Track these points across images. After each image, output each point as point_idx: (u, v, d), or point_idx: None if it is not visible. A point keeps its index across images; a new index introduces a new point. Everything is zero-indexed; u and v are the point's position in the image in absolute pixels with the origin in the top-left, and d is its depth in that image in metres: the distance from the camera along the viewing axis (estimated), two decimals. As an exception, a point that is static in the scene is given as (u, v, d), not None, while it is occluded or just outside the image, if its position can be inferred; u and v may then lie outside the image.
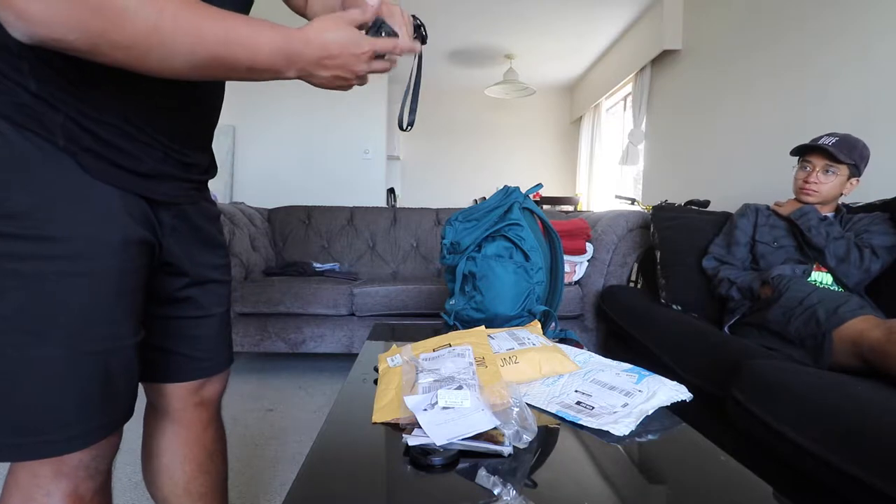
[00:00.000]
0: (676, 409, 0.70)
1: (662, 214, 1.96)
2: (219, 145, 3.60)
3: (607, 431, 0.61)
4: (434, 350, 0.79)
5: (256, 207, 2.85)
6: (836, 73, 2.06)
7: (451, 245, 1.19)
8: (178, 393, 0.75)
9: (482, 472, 0.47)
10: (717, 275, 1.61)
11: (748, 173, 2.62)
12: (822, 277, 1.42)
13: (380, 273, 2.76)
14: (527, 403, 0.63)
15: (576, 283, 2.30)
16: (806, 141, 1.52)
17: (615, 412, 0.65)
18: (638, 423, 0.63)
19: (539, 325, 1.03)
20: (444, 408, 0.58)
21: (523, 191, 1.22)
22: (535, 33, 4.31)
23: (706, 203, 2.53)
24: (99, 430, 0.56)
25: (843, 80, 2.03)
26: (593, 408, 0.66)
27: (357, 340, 2.22)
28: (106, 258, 0.54)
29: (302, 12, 0.83)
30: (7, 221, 0.49)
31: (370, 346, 1.05)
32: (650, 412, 0.66)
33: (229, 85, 0.72)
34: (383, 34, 0.60)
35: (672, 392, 0.70)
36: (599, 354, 0.86)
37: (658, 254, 1.90)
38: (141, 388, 0.75)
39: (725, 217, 1.81)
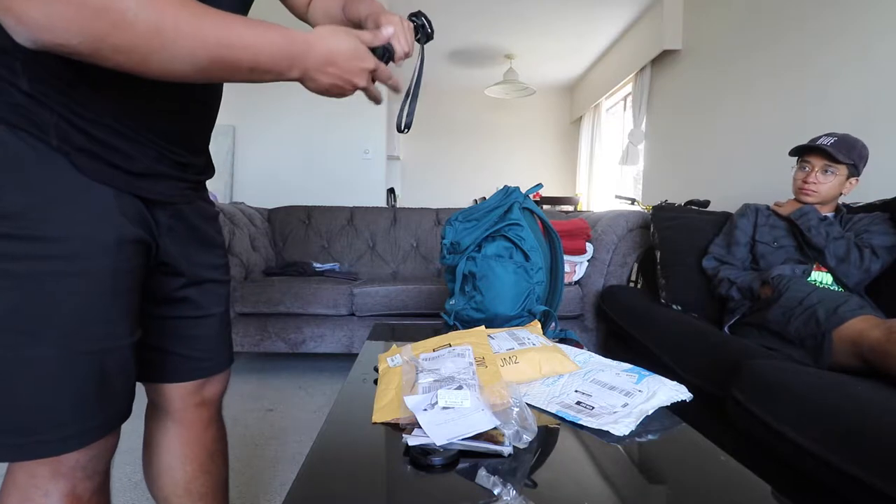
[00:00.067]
0: (676, 409, 0.70)
1: (662, 214, 1.96)
2: (219, 145, 3.60)
3: (607, 431, 0.61)
4: (434, 350, 0.79)
5: (256, 207, 2.85)
6: (836, 73, 2.06)
7: (451, 245, 1.19)
8: (179, 393, 0.75)
9: (482, 472, 0.47)
10: (717, 275, 1.61)
11: (748, 173, 2.62)
12: (822, 277, 1.42)
13: (380, 273, 2.76)
14: (527, 403, 0.63)
15: (576, 283, 2.30)
16: (805, 141, 1.52)
17: (615, 412, 0.65)
18: (638, 423, 0.63)
19: (539, 325, 1.03)
20: (444, 408, 0.58)
21: (523, 191, 1.22)
22: (535, 33, 4.31)
23: (706, 203, 2.53)
24: (95, 430, 0.56)
25: (843, 80, 2.03)
26: (593, 408, 0.66)
27: (357, 340, 2.22)
28: (100, 258, 0.54)
29: (303, 17, 0.83)
30: (1, 222, 0.49)
31: (370, 346, 1.05)
32: (650, 412, 0.66)
33: (229, 85, 0.72)
34: (386, 63, 0.63)
35: (672, 392, 0.70)
36: (599, 354, 0.86)
37: (658, 254, 1.90)
38: (142, 387, 0.76)
39: (725, 217, 1.81)
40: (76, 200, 0.52)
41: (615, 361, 0.82)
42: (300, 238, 2.82)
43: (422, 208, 2.94)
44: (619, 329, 1.90)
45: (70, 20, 0.39)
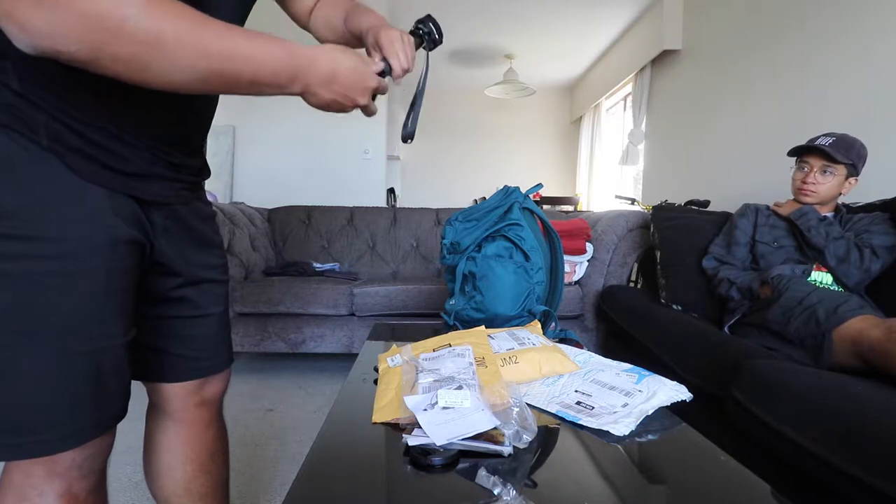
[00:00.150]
0: (676, 409, 0.70)
1: (662, 214, 1.96)
2: (219, 145, 3.60)
3: (607, 431, 0.61)
4: (434, 350, 0.79)
5: (256, 207, 2.85)
6: (836, 73, 2.06)
7: (451, 245, 1.19)
8: (178, 392, 0.75)
9: (482, 472, 0.47)
10: (717, 275, 1.61)
11: (748, 173, 2.62)
12: (822, 277, 1.42)
13: (380, 273, 2.76)
14: (527, 403, 0.63)
15: (576, 283, 2.30)
16: (805, 141, 1.52)
17: (615, 412, 0.65)
18: (638, 423, 0.63)
19: (539, 325, 1.03)
20: (444, 408, 0.58)
21: (523, 191, 1.22)
22: (535, 33, 4.31)
23: (706, 203, 2.53)
24: (90, 429, 0.56)
25: (843, 80, 2.03)
26: (593, 408, 0.66)
27: (357, 340, 2.22)
28: (94, 258, 0.54)
29: (304, 26, 0.83)
30: None
31: (370, 346, 1.05)
32: (650, 412, 0.66)
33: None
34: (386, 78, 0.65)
35: (672, 392, 0.70)
36: (599, 354, 0.86)
37: (658, 254, 1.90)
38: (143, 387, 0.76)
39: (725, 217, 1.81)
40: (69, 201, 0.53)
41: (615, 361, 0.82)
42: (300, 238, 2.82)
43: (422, 208, 2.94)
44: (619, 329, 1.90)
45: (71, 28, 0.40)
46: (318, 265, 2.65)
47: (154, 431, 0.78)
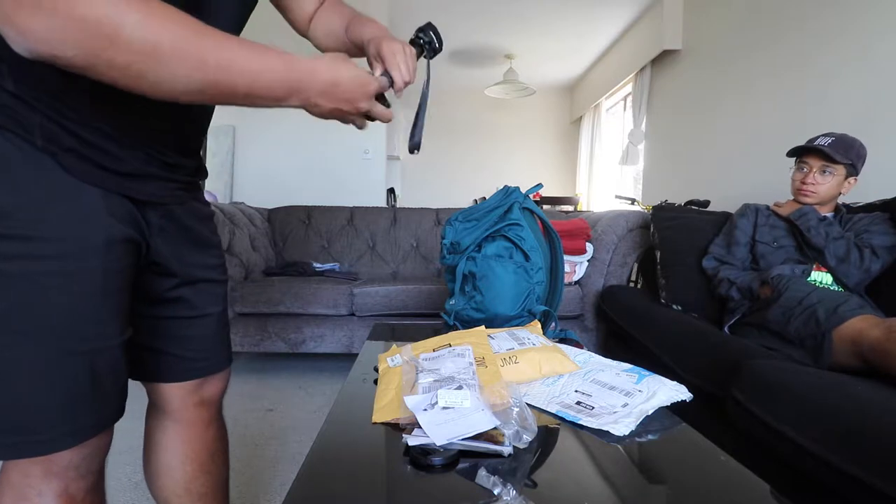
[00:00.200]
0: (676, 409, 0.70)
1: (662, 214, 1.96)
2: (219, 145, 3.60)
3: (607, 431, 0.61)
4: (434, 350, 0.79)
5: (256, 207, 2.85)
6: (836, 73, 2.06)
7: (451, 245, 1.19)
8: (177, 392, 0.75)
9: (482, 472, 0.47)
10: (717, 275, 1.61)
11: (748, 173, 2.62)
12: (821, 277, 1.42)
13: (380, 273, 2.76)
14: (527, 403, 0.63)
15: (576, 283, 2.30)
16: (805, 141, 1.52)
17: (615, 412, 0.65)
18: (638, 423, 0.63)
19: (539, 325, 1.03)
20: (444, 408, 0.58)
21: (523, 191, 1.22)
22: (535, 33, 4.31)
23: (706, 203, 2.53)
24: (87, 429, 0.56)
25: (843, 80, 2.03)
26: (593, 408, 0.66)
27: (357, 340, 2.22)
28: (90, 258, 0.54)
29: (304, 34, 0.82)
30: None
31: (370, 346, 1.05)
32: (650, 412, 0.66)
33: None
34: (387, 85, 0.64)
35: (672, 392, 0.70)
36: (599, 354, 0.86)
37: (658, 254, 1.90)
38: (143, 387, 0.76)
39: (725, 217, 1.81)
40: (63, 201, 0.53)
41: (615, 361, 0.82)
42: (300, 238, 2.82)
43: (422, 208, 2.94)
44: (619, 329, 1.90)
45: (68, 33, 0.40)
46: (318, 265, 2.65)
47: (154, 431, 0.78)
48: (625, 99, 4.67)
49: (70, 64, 0.42)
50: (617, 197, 3.52)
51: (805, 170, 1.49)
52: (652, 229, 1.96)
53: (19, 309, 0.50)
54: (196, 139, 0.70)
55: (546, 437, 0.61)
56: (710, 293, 1.66)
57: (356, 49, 0.75)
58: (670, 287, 1.79)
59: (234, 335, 2.20)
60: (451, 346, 0.79)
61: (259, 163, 3.69)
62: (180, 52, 0.44)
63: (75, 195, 0.53)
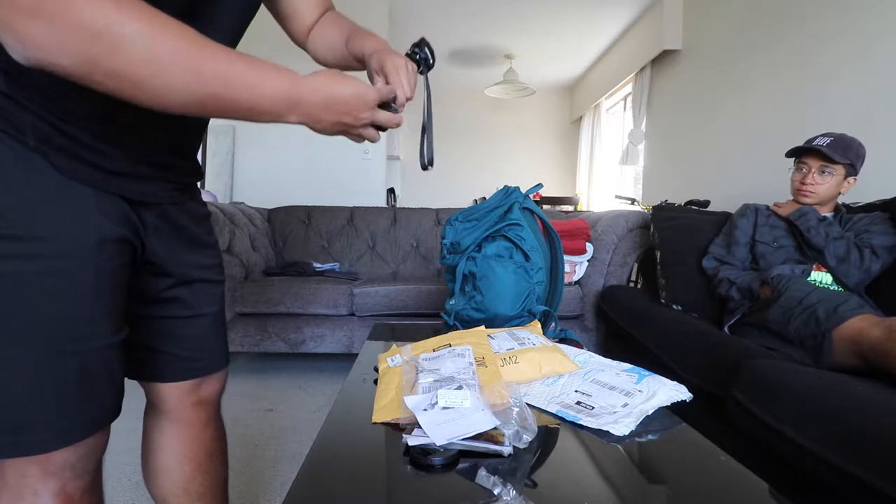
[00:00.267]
0: (676, 409, 0.70)
1: (662, 214, 1.96)
2: (219, 145, 3.60)
3: (607, 431, 0.61)
4: (434, 350, 0.79)
5: (256, 207, 2.85)
6: (836, 73, 2.06)
7: (451, 245, 1.19)
8: (174, 392, 0.75)
9: (482, 472, 0.47)
10: (717, 275, 1.61)
11: (748, 173, 2.62)
12: (821, 277, 1.42)
13: (380, 273, 2.76)
14: (527, 403, 0.63)
15: (576, 283, 2.30)
16: (804, 141, 1.52)
17: (615, 412, 0.65)
18: (638, 423, 0.63)
19: (539, 325, 1.03)
20: (444, 408, 0.58)
21: (523, 191, 1.22)
22: (535, 33, 4.31)
23: (706, 203, 2.53)
24: (81, 428, 0.56)
25: (843, 80, 2.03)
26: (593, 408, 0.66)
27: (357, 340, 2.22)
28: (82, 258, 0.54)
29: (302, 45, 0.82)
30: None
31: (370, 346, 1.05)
32: (650, 412, 0.66)
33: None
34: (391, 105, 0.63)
35: (672, 392, 0.70)
36: (599, 354, 0.86)
37: (658, 254, 1.90)
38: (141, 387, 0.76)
39: (725, 217, 1.81)
40: (55, 200, 0.52)
41: (615, 361, 0.82)
42: (300, 238, 2.82)
43: (422, 208, 2.94)
44: (619, 329, 1.90)
45: (66, 41, 0.39)
46: (318, 265, 2.65)
47: (152, 431, 0.78)
48: (625, 99, 4.67)
49: (67, 73, 0.41)
50: (617, 197, 3.52)
51: (804, 170, 1.49)
52: (652, 229, 1.96)
53: (8, 308, 0.50)
54: (191, 141, 0.70)
55: (546, 437, 0.61)
56: (710, 293, 1.66)
57: (356, 62, 0.75)
58: (670, 287, 1.79)
59: (234, 335, 2.20)
60: (451, 346, 0.79)
61: (259, 163, 3.69)
62: (179, 64, 0.44)
63: (67, 195, 0.53)
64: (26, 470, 0.54)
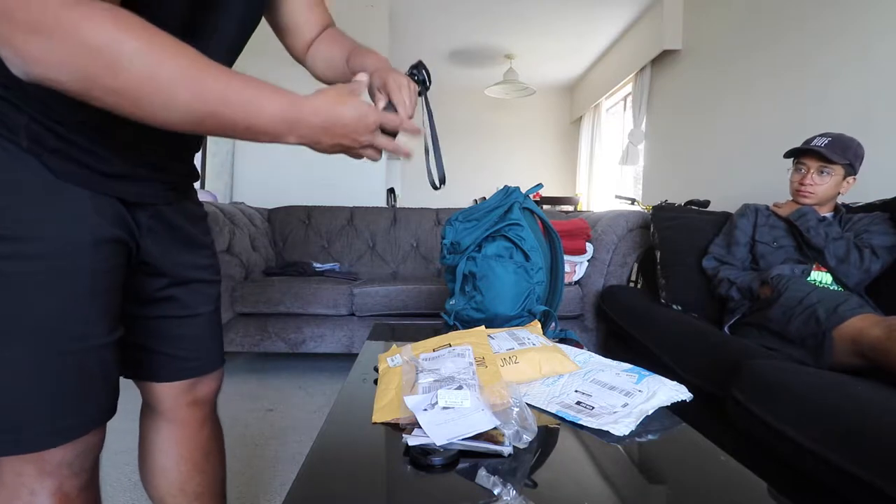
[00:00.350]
0: (676, 409, 0.70)
1: (662, 214, 1.96)
2: (219, 145, 3.59)
3: (607, 431, 0.61)
4: (434, 350, 0.79)
5: (256, 207, 2.85)
6: (836, 73, 2.06)
7: (451, 245, 1.19)
8: (169, 392, 0.75)
9: (482, 472, 0.47)
10: (717, 275, 1.61)
11: (748, 173, 2.62)
12: (821, 277, 1.42)
13: (380, 273, 2.76)
14: (527, 403, 0.63)
15: (576, 283, 2.30)
16: (803, 142, 1.52)
17: (615, 412, 0.65)
18: (638, 423, 0.63)
19: (539, 325, 1.03)
20: (444, 408, 0.58)
21: (523, 191, 1.22)
22: (535, 33, 4.31)
23: (706, 203, 2.53)
24: (75, 427, 0.56)
25: (843, 80, 2.03)
26: (593, 408, 0.66)
27: (357, 340, 2.22)
28: (77, 259, 0.54)
29: (300, 60, 0.82)
30: None
31: (370, 346, 1.05)
32: (650, 412, 0.66)
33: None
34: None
35: (672, 392, 0.70)
36: (599, 354, 0.86)
37: (658, 254, 1.90)
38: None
39: (725, 217, 1.81)
40: (50, 202, 0.53)
41: (615, 361, 0.82)
42: (300, 238, 2.82)
43: (422, 208, 2.94)
44: (619, 329, 1.90)
45: (65, 58, 0.39)
46: (318, 265, 2.65)
47: (148, 431, 0.78)
48: (625, 99, 4.67)
49: (66, 88, 0.41)
50: (617, 197, 3.52)
51: (803, 171, 1.49)
52: (652, 229, 1.96)
53: (4, 309, 0.51)
54: (188, 144, 0.70)
55: (546, 437, 0.61)
56: (710, 293, 1.66)
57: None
58: (670, 287, 1.79)
59: (234, 335, 2.20)
60: (451, 346, 0.79)
61: (259, 163, 3.69)
62: (178, 83, 0.44)
63: (61, 196, 0.53)
64: (23, 469, 0.54)
